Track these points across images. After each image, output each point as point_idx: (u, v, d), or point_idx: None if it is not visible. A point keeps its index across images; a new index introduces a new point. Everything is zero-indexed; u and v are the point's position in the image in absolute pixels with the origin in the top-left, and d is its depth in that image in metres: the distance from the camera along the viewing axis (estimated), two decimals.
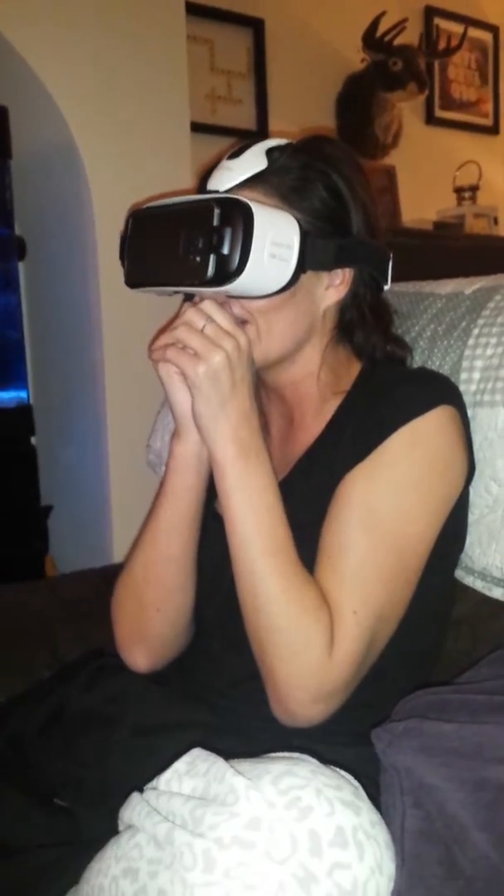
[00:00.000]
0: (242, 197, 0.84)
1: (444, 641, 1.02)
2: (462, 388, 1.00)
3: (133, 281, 0.93)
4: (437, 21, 3.39)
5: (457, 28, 3.37)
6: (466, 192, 3.33)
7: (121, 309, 2.03)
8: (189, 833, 0.61)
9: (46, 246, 2.18)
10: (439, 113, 3.46)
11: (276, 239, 0.84)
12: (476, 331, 1.04)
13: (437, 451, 0.90)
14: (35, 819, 0.88)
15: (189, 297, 0.92)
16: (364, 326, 0.97)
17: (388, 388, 0.92)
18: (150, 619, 0.98)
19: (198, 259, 0.83)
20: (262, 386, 0.99)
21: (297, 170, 0.90)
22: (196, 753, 0.67)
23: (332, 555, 0.86)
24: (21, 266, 2.18)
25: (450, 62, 3.46)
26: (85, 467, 2.20)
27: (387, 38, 2.98)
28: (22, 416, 2.09)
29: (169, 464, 0.95)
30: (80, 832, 0.87)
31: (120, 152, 2.04)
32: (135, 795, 0.67)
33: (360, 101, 3.05)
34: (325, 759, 0.67)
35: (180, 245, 0.85)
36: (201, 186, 0.93)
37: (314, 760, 0.65)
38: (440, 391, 0.93)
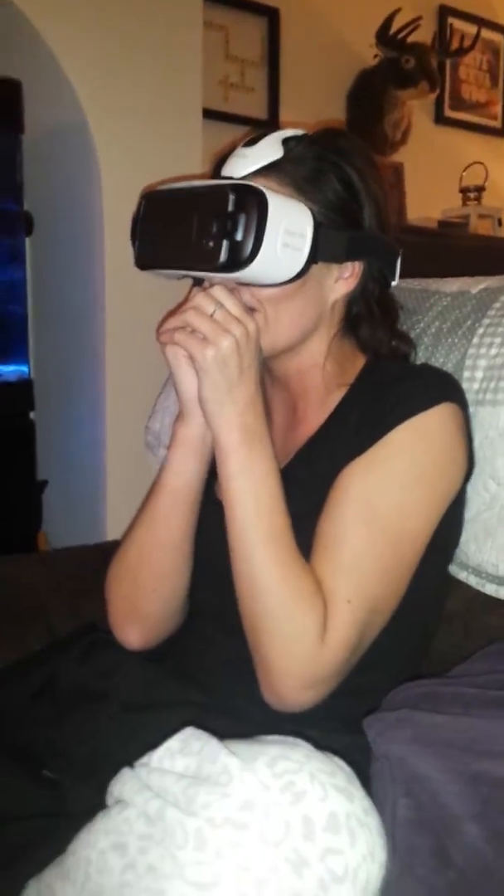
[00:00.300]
0: (258, 185, 0.84)
1: (436, 634, 1.03)
2: (465, 386, 1.00)
3: (143, 263, 0.93)
4: (451, 20, 3.39)
5: (470, 28, 3.37)
6: (472, 193, 3.33)
7: (124, 289, 2.03)
8: (181, 811, 0.61)
9: (54, 223, 2.18)
10: (449, 113, 3.47)
11: (289, 228, 0.84)
12: (481, 330, 1.05)
13: (439, 448, 0.90)
14: (22, 788, 0.88)
15: (198, 282, 0.92)
16: (371, 321, 0.98)
17: (391, 382, 0.93)
18: (145, 599, 0.98)
19: (210, 244, 0.83)
20: (267, 375, 0.99)
21: (312, 161, 0.90)
22: (189, 732, 0.68)
23: (328, 544, 0.86)
24: (28, 241, 2.17)
25: (461, 62, 3.46)
26: (82, 444, 2.20)
27: (400, 36, 2.98)
28: (22, 391, 2.09)
29: (171, 446, 0.95)
30: (67, 804, 0.87)
31: (131, 134, 2.04)
32: (126, 770, 0.68)
33: (371, 97, 3.05)
34: (317, 745, 0.68)
35: (193, 229, 0.85)
36: (215, 172, 0.93)
37: (308, 745, 0.66)
38: (443, 388, 0.93)
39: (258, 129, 0.94)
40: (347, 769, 0.65)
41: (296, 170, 0.89)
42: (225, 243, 0.82)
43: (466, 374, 1.03)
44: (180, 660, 0.99)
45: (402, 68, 2.99)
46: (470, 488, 0.98)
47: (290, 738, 0.67)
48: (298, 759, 0.63)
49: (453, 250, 2.75)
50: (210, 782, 0.62)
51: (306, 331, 0.94)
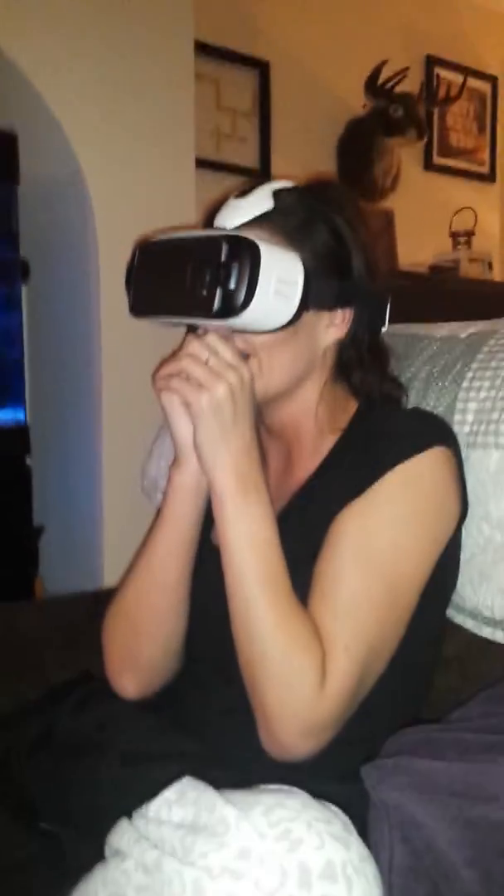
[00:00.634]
0: (250, 235, 0.86)
1: (434, 678, 1.03)
2: (456, 429, 1.01)
3: (138, 310, 0.95)
4: (438, 70, 3.47)
5: (457, 78, 3.45)
6: (462, 238, 3.39)
7: (120, 335, 2.05)
8: (178, 861, 0.61)
9: (50, 270, 2.21)
10: (437, 159, 3.53)
11: (281, 276, 0.86)
12: (470, 374, 1.06)
13: (431, 491, 0.91)
14: (20, 841, 0.87)
15: (192, 329, 0.93)
16: (362, 366, 0.99)
17: (383, 427, 0.94)
18: (142, 645, 0.98)
19: (204, 292, 0.85)
20: (261, 422, 1.00)
21: (302, 211, 0.93)
22: (186, 782, 0.68)
23: (325, 589, 0.86)
24: (24, 288, 2.20)
25: (449, 110, 3.53)
26: (79, 490, 2.20)
27: (388, 86, 3.05)
28: (18, 436, 2.10)
29: (167, 492, 0.96)
30: (66, 857, 0.86)
31: (125, 183, 2.07)
32: (124, 822, 0.68)
33: (360, 145, 3.11)
34: (315, 794, 0.67)
35: (187, 278, 0.87)
36: (208, 222, 0.95)
37: (305, 793, 0.66)
38: (435, 432, 0.94)
39: (250, 178, 0.97)
40: (344, 817, 0.65)
41: (286, 220, 0.91)
42: (219, 291, 0.84)
43: (457, 417, 1.04)
44: (177, 709, 0.99)
45: (390, 117, 3.05)
46: (464, 531, 0.99)
47: (286, 787, 0.67)
48: (295, 808, 0.63)
49: (444, 294, 2.78)
50: (207, 832, 0.62)
51: (299, 377, 0.96)
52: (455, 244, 3.41)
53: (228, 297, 0.84)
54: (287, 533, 0.89)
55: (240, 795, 0.65)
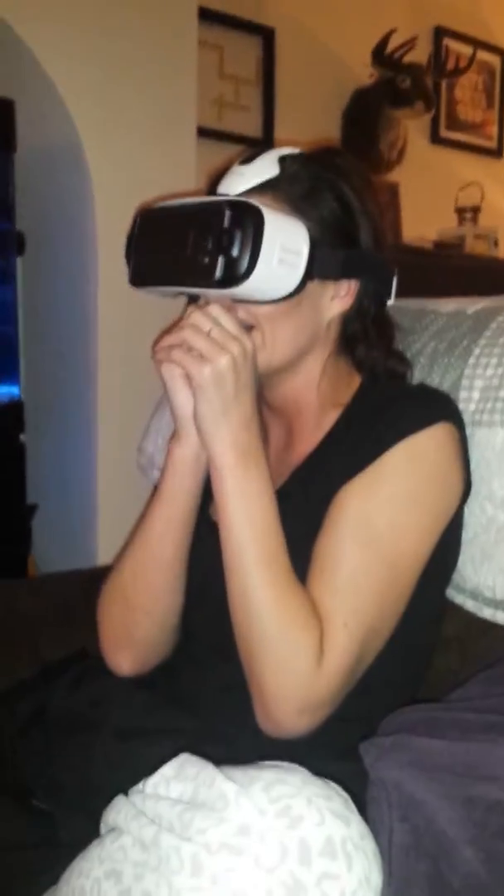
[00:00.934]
0: (254, 202, 0.84)
1: (433, 658, 1.02)
2: (461, 406, 1.00)
3: (139, 280, 0.93)
4: (447, 41, 3.42)
5: (466, 49, 3.40)
6: (468, 213, 3.35)
7: (117, 309, 2.02)
8: (177, 837, 0.61)
9: (46, 242, 2.18)
10: (444, 133, 3.49)
11: (285, 245, 0.84)
12: (477, 350, 1.05)
13: (435, 468, 0.90)
14: (14, 819, 0.88)
15: (194, 300, 0.91)
16: (366, 340, 0.98)
17: (387, 403, 0.93)
18: (138, 622, 0.97)
19: (206, 260, 0.83)
20: (263, 396, 0.99)
21: (308, 179, 0.91)
22: (184, 758, 0.67)
23: (325, 566, 0.86)
24: (19, 261, 2.17)
25: (457, 83, 3.49)
26: (73, 468, 2.19)
27: (396, 56, 3.00)
28: (13, 412, 2.08)
29: (166, 466, 0.94)
30: (59, 834, 0.86)
31: (125, 152, 2.04)
32: (120, 798, 0.67)
33: (366, 116, 3.07)
34: (313, 772, 0.67)
35: (189, 245, 0.85)
36: (211, 190, 0.93)
37: (305, 770, 0.65)
38: (440, 408, 0.93)
39: (253, 147, 0.95)
40: (344, 794, 0.65)
41: (292, 188, 0.90)
42: (221, 259, 0.82)
43: (463, 394, 1.03)
44: (173, 686, 0.98)
45: (397, 88, 3.01)
46: (467, 510, 0.98)
47: (285, 764, 0.66)
48: (295, 784, 0.62)
49: (449, 271, 2.75)
50: (206, 808, 0.62)
51: (302, 349, 0.94)
52: (461, 220, 3.37)
53: (231, 264, 0.82)
54: (287, 509, 0.88)
55: (239, 771, 0.64)
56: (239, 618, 0.84)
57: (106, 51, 2.00)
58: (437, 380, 1.07)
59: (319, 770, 0.69)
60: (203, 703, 0.94)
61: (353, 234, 0.93)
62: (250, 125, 2.88)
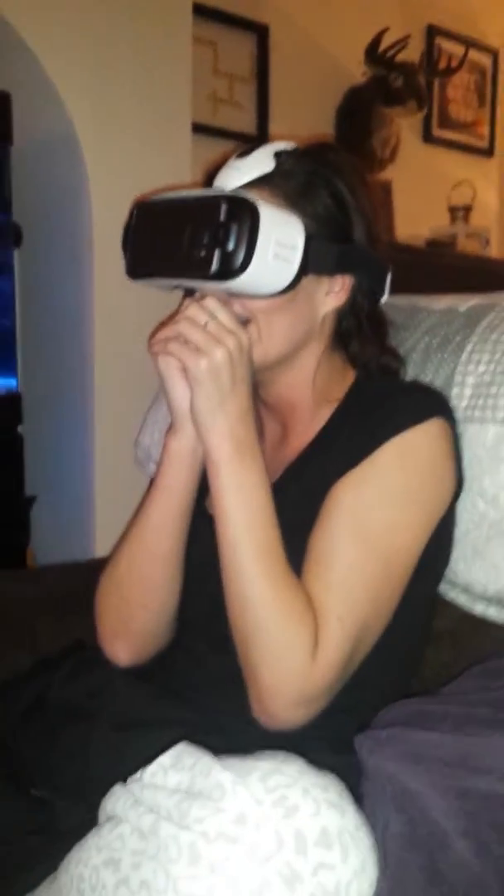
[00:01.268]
0: (249, 196, 0.84)
1: (426, 653, 1.03)
2: (453, 403, 1.01)
3: (135, 272, 0.93)
4: (439, 41, 3.43)
5: (458, 49, 3.41)
6: (460, 212, 3.37)
7: (114, 302, 2.03)
8: (174, 825, 0.61)
9: (43, 234, 2.18)
10: (437, 132, 3.50)
11: (280, 239, 0.85)
12: (469, 347, 1.05)
13: (428, 463, 0.91)
14: (12, 809, 0.88)
15: (189, 293, 0.92)
16: (360, 336, 0.98)
17: (381, 398, 0.93)
18: (134, 614, 0.98)
19: (202, 253, 0.83)
20: (258, 391, 0.99)
21: (303, 174, 0.91)
22: (182, 748, 0.68)
23: (319, 560, 0.86)
24: (16, 253, 2.17)
25: (449, 82, 3.50)
26: (71, 459, 2.19)
27: (389, 54, 3.01)
28: (10, 405, 2.08)
29: (163, 459, 0.95)
30: (58, 823, 0.86)
31: (120, 146, 2.04)
32: (118, 787, 0.68)
33: (359, 114, 3.07)
34: (309, 762, 0.67)
35: (185, 238, 0.85)
36: (207, 184, 0.94)
37: (302, 760, 0.66)
38: (432, 404, 0.94)
39: (248, 142, 0.95)
40: (340, 784, 0.65)
41: (287, 183, 0.90)
42: (217, 252, 0.83)
43: (455, 390, 1.03)
44: (169, 677, 0.99)
45: (390, 86, 3.01)
46: (459, 506, 0.99)
47: (282, 754, 0.67)
48: (291, 774, 0.63)
49: (441, 269, 2.76)
50: (203, 797, 0.62)
51: (297, 344, 0.94)
52: (453, 218, 3.39)
53: (227, 258, 0.82)
54: (283, 502, 0.88)
55: (236, 761, 0.65)
56: (235, 610, 0.85)
57: (101, 46, 2.00)
58: (429, 376, 1.07)
59: (315, 762, 0.69)
60: (199, 695, 0.95)
61: (347, 230, 0.93)
62: (244, 121, 2.88)
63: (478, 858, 0.59)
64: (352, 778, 0.70)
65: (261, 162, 0.90)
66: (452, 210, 3.39)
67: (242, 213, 0.82)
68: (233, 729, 0.86)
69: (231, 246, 0.82)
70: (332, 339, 0.98)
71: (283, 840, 0.60)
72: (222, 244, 0.82)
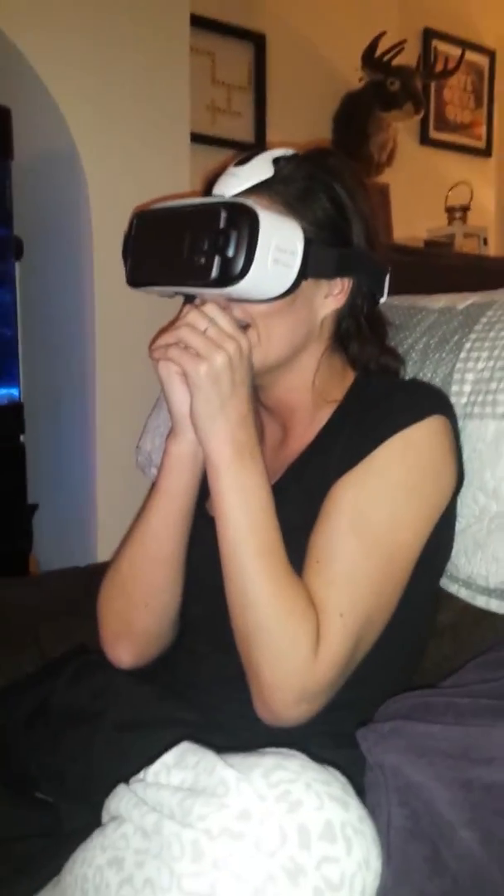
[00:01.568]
0: (249, 203, 0.85)
1: (427, 647, 1.03)
2: (453, 400, 1.01)
3: (135, 280, 0.94)
4: (436, 43, 3.44)
5: (454, 51, 3.42)
6: (457, 212, 3.37)
7: (114, 312, 2.04)
8: (178, 823, 0.61)
9: (43, 247, 2.19)
10: (434, 134, 3.51)
11: (280, 245, 0.85)
12: (468, 344, 1.06)
13: (428, 460, 0.91)
14: (17, 811, 0.88)
15: (189, 299, 0.93)
16: (360, 337, 0.99)
17: (381, 397, 0.94)
18: (137, 614, 0.98)
19: (202, 260, 0.84)
20: (258, 394, 1.00)
21: (302, 179, 0.92)
22: (185, 746, 0.68)
23: (321, 558, 0.87)
24: (18, 266, 2.19)
25: (446, 84, 3.51)
26: (72, 467, 2.20)
27: (385, 59, 3.02)
28: (12, 414, 2.09)
29: (164, 463, 0.95)
30: (62, 825, 0.87)
31: (120, 158, 2.05)
32: (122, 786, 0.68)
33: (356, 119, 3.08)
34: (311, 758, 0.68)
35: (185, 246, 0.86)
36: (206, 191, 0.95)
37: (304, 755, 0.66)
38: (432, 401, 0.94)
39: (248, 150, 0.96)
40: (342, 779, 0.65)
41: (286, 188, 0.91)
42: (217, 259, 0.83)
43: (454, 388, 1.04)
44: (173, 678, 0.99)
45: (387, 90, 3.02)
46: (459, 501, 0.99)
47: (284, 750, 0.67)
48: (294, 769, 0.63)
49: (439, 269, 2.77)
50: (207, 794, 0.62)
51: (297, 347, 0.95)
52: (450, 219, 3.39)
53: (226, 264, 0.83)
54: (283, 502, 0.89)
55: (239, 758, 0.65)
56: (236, 609, 0.85)
57: (100, 58, 2.01)
58: (429, 374, 1.08)
59: (318, 757, 0.70)
60: (201, 693, 0.95)
61: (347, 234, 0.94)
62: (243, 130, 2.90)
63: (481, 847, 0.59)
64: (354, 772, 0.70)
65: (260, 168, 0.91)
66: (450, 211, 3.39)
67: (242, 220, 0.83)
68: (235, 727, 0.87)
69: (231, 252, 0.83)
70: (332, 341, 0.98)
71: (287, 834, 0.60)
72: (222, 251, 0.83)
